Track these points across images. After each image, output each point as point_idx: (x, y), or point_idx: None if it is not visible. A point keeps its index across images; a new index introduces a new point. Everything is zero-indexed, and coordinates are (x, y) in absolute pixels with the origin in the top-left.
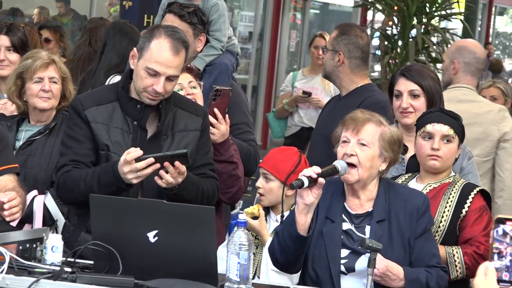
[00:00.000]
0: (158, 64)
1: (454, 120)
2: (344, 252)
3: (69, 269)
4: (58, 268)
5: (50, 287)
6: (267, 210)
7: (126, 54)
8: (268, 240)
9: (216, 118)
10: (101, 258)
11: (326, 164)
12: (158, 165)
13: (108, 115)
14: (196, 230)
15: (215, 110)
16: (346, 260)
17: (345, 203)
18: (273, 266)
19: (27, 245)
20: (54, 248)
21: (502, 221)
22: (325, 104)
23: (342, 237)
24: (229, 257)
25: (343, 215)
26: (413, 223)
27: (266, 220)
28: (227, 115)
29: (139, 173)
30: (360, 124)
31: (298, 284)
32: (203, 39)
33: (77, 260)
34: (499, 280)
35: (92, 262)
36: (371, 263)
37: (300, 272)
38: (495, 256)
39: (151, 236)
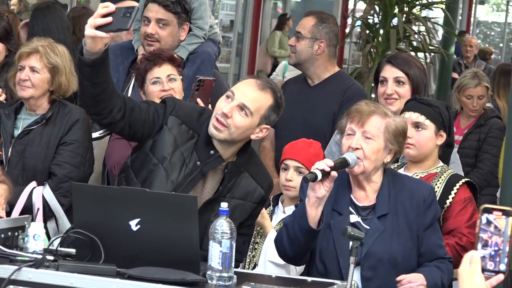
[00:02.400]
0: None
1: (428, 108)
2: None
3: (51, 257)
4: (40, 257)
5: (32, 275)
6: (276, 201)
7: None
8: (271, 232)
9: None
10: (83, 246)
11: None
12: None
13: (184, 138)
14: (179, 219)
15: (198, 100)
16: None
17: (351, 195)
18: (271, 257)
19: (9, 233)
20: (36, 237)
21: (489, 210)
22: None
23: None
24: (211, 245)
25: (350, 207)
26: (421, 214)
27: (274, 211)
28: (210, 105)
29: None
30: (365, 116)
31: (302, 275)
32: (187, 28)
33: (59, 249)
34: (484, 269)
35: (74, 250)
36: (353, 252)
37: (302, 264)
38: (480, 245)
39: (133, 224)
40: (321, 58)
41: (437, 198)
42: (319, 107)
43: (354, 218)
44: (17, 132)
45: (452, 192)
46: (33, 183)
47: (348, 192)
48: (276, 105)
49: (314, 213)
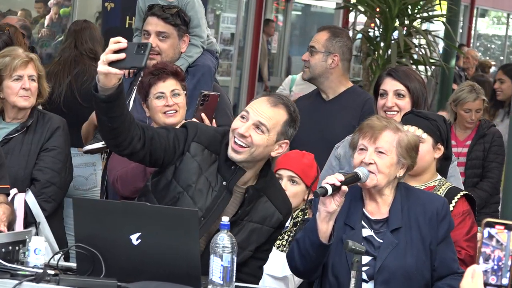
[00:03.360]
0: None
1: (425, 121)
2: (365, 259)
3: (52, 272)
4: (41, 271)
5: None
6: None
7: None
8: None
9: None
10: (84, 260)
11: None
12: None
13: (207, 163)
14: (179, 233)
15: (203, 115)
16: (368, 267)
17: (364, 209)
18: (269, 271)
19: (10, 247)
20: (36, 251)
21: (491, 224)
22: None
23: (362, 244)
24: (212, 260)
25: (363, 221)
26: (434, 228)
27: None
28: (214, 120)
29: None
30: (378, 131)
31: None
32: (187, 39)
33: (60, 263)
34: (486, 284)
35: (75, 264)
36: (354, 266)
37: (314, 279)
38: (481, 259)
39: (134, 238)
40: (335, 72)
41: None
42: (337, 121)
43: (366, 232)
44: None
45: (451, 206)
46: (14, 190)
47: (361, 206)
48: (291, 120)
49: (325, 228)
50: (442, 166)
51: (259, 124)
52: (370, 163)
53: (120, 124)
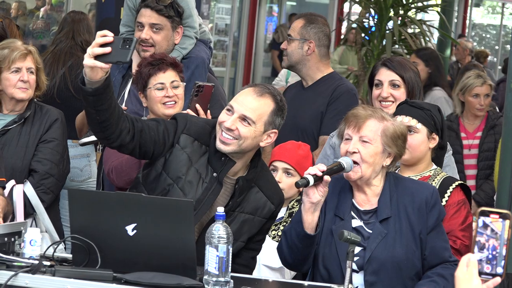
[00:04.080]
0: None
1: (419, 111)
2: (355, 250)
3: (47, 263)
4: (36, 262)
5: (28, 280)
6: None
7: None
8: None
9: (198, 114)
10: (80, 251)
11: None
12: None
13: (197, 155)
14: (175, 223)
15: (197, 106)
16: (358, 258)
17: (353, 200)
18: (266, 261)
19: (5, 239)
20: (32, 242)
21: (486, 213)
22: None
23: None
24: (208, 250)
25: (352, 212)
26: (423, 217)
27: None
28: (208, 111)
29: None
30: (362, 120)
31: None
32: (181, 31)
33: (56, 254)
34: (481, 272)
35: (70, 255)
36: (350, 256)
37: (305, 271)
38: (476, 248)
39: (130, 229)
40: (312, 59)
41: None
42: (308, 107)
43: (356, 222)
44: None
45: (446, 195)
46: (12, 181)
47: (350, 197)
48: (278, 109)
49: (310, 219)
50: (438, 155)
51: (244, 117)
52: (354, 152)
53: (108, 117)
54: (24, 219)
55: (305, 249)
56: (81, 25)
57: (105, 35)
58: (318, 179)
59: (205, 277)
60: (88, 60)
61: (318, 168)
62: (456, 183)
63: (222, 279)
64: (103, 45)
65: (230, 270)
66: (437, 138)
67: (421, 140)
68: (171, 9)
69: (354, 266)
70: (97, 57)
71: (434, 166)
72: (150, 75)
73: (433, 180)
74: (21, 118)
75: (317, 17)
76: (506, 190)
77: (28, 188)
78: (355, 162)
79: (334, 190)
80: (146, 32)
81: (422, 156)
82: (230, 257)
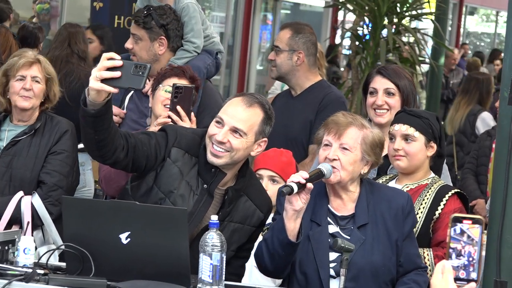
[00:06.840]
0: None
1: (417, 119)
2: (332, 256)
3: (41, 271)
4: (30, 270)
5: None
6: None
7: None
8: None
9: (180, 117)
10: (74, 259)
11: None
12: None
13: (188, 168)
14: (169, 231)
15: (178, 108)
16: (335, 264)
17: (329, 205)
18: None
19: None
20: (26, 250)
21: (459, 219)
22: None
23: (329, 240)
24: (202, 258)
25: (328, 218)
26: (399, 224)
27: None
28: (192, 113)
29: (97, 73)
30: (343, 128)
31: (282, 286)
32: (164, 41)
33: (49, 262)
34: (456, 279)
35: (64, 264)
36: (344, 264)
37: (283, 277)
38: (453, 255)
39: (124, 237)
40: (302, 69)
41: (427, 209)
42: (297, 116)
43: (333, 228)
44: (2, 144)
45: (442, 203)
46: (21, 193)
47: (326, 202)
48: (267, 117)
49: (292, 226)
50: (436, 164)
51: (235, 129)
52: (334, 159)
53: (106, 136)
54: (32, 231)
55: (287, 256)
56: (77, 35)
57: (112, 58)
58: (301, 187)
59: (199, 285)
60: (95, 83)
61: (301, 176)
62: (453, 191)
63: (215, 287)
64: (110, 69)
65: (224, 278)
66: (435, 146)
67: (419, 148)
68: (150, 20)
69: (332, 272)
70: (104, 81)
71: (432, 175)
72: (166, 76)
73: (430, 188)
74: (31, 129)
75: (303, 26)
76: (500, 198)
77: (36, 199)
78: (334, 168)
79: (310, 195)
80: (129, 41)
81: (420, 164)
82: (224, 265)
